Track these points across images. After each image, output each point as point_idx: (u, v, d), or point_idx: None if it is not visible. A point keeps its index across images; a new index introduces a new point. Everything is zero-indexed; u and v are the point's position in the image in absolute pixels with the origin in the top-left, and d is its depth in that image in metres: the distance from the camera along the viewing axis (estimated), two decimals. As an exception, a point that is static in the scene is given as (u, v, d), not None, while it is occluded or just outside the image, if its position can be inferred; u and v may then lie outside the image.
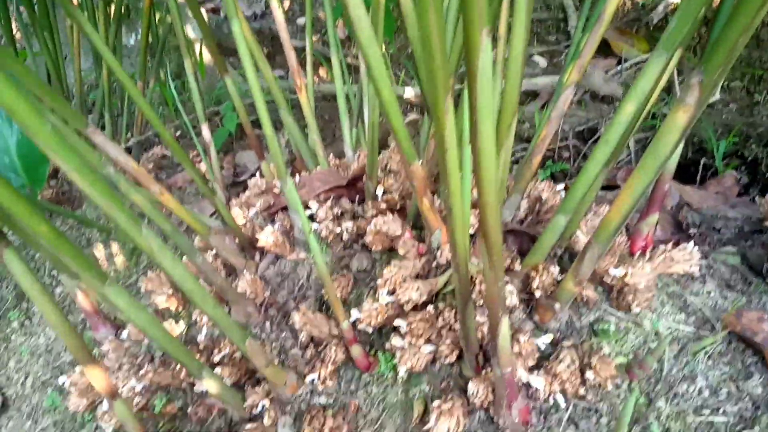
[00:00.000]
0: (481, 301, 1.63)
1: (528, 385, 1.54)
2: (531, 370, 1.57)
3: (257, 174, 2.67)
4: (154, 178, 1.65)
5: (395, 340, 1.68)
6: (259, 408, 1.75)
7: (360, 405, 1.75)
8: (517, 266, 1.74)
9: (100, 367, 1.46)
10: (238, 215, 2.28)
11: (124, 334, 2.11)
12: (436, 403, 1.57)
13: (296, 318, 1.85)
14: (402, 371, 1.64)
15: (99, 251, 2.70)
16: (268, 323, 2.00)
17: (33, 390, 2.37)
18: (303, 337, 1.91)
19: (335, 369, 1.79)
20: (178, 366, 1.86)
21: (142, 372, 1.88)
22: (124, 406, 1.52)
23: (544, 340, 1.57)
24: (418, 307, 1.73)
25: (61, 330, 1.33)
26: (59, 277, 2.23)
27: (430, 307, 1.68)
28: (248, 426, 1.70)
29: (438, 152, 1.01)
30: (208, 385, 1.54)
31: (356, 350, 1.74)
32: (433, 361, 1.71)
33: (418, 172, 1.61)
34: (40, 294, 1.26)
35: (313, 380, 1.76)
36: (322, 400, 1.79)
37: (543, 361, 1.60)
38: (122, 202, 1.00)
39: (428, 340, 1.66)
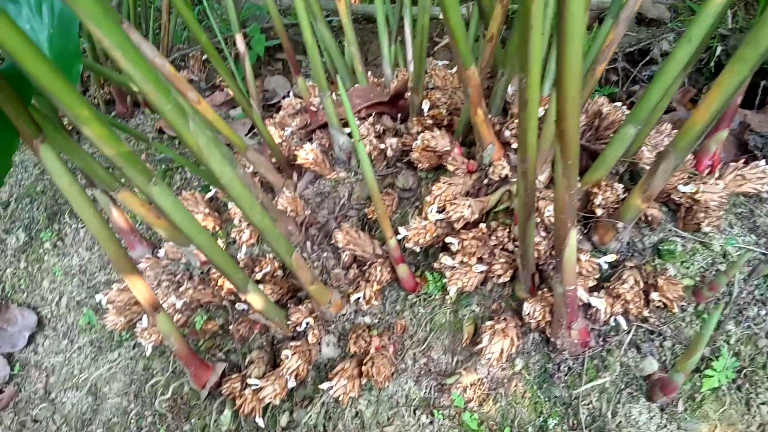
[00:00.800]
0: (538, 219, 1.54)
1: (588, 306, 1.47)
2: (591, 290, 1.49)
3: (290, 95, 2.56)
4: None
5: (445, 259, 1.61)
6: (303, 326, 1.71)
7: (406, 325, 1.70)
8: (577, 183, 1.64)
9: (142, 278, 1.41)
10: (274, 135, 2.19)
11: (161, 252, 2.08)
12: (488, 323, 1.51)
13: (339, 237, 1.78)
14: (452, 291, 1.58)
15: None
16: (309, 243, 1.94)
17: (68, 309, 2.38)
18: (345, 257, 1.85)
19: (380, 289, 1.73)
20: (219, 283, 1.81)
21: (181, 289, 1.85)
22: (166, 318, 1.49)
23: (606, 260, 1.48)
24: (469, 226, 1.65)
25: (101, 236, 1.28)
26: (93, 195, 2.19)
27: (482, 226, 1.59)
28: (292, 344, 1.67)
29: (519, 34, 0.90)
30: (252, 299, 1.49)
31: (403, 270, 1.67)
32: (484, 281, 1.64)
33: (473, 78, 1.49)
34: (78, 196, 1.20)
35: (357, 300, 1.70)
36: (367, 320, 1.75)
37: (603, 282, 1.52)
38: (168, 89, 0.91)
39: (480, 260, 1.59)
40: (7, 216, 2.94)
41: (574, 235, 1.21)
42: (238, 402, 1.65)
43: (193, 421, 1.79)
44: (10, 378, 2.30)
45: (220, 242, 2.03)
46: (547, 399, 1.44)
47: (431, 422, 1.50)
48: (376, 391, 1.60)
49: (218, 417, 1.75)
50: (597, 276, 1.49)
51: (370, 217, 1.84)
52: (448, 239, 1.57)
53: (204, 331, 1.86)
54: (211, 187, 2.24)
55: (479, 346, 1.47)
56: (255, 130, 2.83)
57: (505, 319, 1.52)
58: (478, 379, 1.53)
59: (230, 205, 2.06)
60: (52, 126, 1.20)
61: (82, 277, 2.48)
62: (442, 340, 1.63)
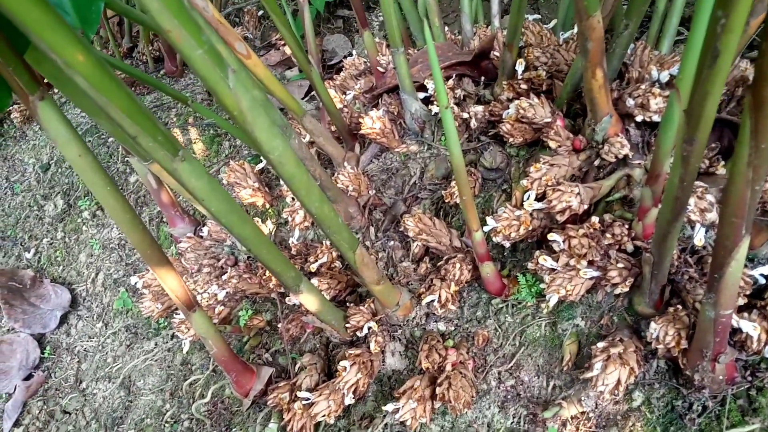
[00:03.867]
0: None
1: (734, 332, 1.15)
2: (740, 311, 1.17)
3: (353, 54, 2.28)
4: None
5: (544, 260, 1.32)
6: (364, 330, 1.46)
7: (490, 337, 1.42)
8: (720, 169, 1.31)
9: (174, 271, 1.18)
10: (335, 99, 1.92)
11: (204, 230, 1.86)
12: (601, 344, 1.22)
13: (409, 224, 1.51)
14: (551, 300, 1.29)
15: (177, 137, 2.44)
16: (372, 229, 1.68)
17: (104, 288, 2.21)
18: (416, 248, 1.58)
19: (458, 290, 1.46)
20: (267, 272, 1.58)
21: (225, 277, 1.63)
22: (203, 318, 1.26)
23: (763, 272, 1.16)
24: (575, 219, 1.35)
25: (121, 218, 1.05)
26: (131, 163, 1.99)
27: (594, 220, 1.29)
28: (350, 352, 1.42)
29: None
30: (306, 300, 1.24)
31: (488, 269, 1.39)
32: (592, 288, 1.34)
33: (597, 29, 1.19)
34: (90, 169, 0.96)
35: (430, 302, 1.43)
36: (441, 326, 1.48)
37: (753, 300, 1.20)
38: (199, 27, 0.65)
39: (591, 263, 1.29)
40: (46, 180, 2.80)
41: (745, 247, 0.90)
42: (285, 416, 1.42)
43: (234, 431, 1.58)
44: (40, 361, 2.16)
45: (270, 223, 1.79)
46: (673, 446, 1.15)
47: (522, 464, 1.24)
48: (452, 416, 1.35)
49: (263, 430, 1.53)
50: (748, 292, 1.17)
51: (446, 201, 1.56)
52: (551, 236, 1.28)
53: (249, 327, 1.64)
54: (262, 157, 2.00)
55: (589, 375, 1.18)
56: (312, 93, 2.57)
57: (621, 340, 1.22)
58: (583, 413, 1.25)
59: (282, 180, 1.82)
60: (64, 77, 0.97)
61: (120, 252, 2.31)
62: (535, 359, 1.35)
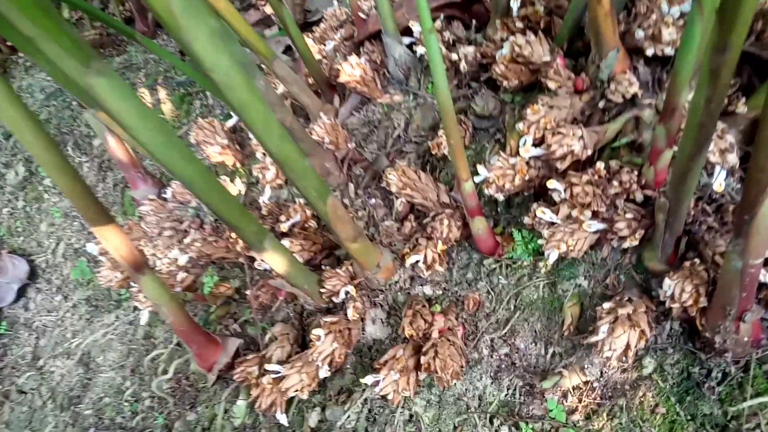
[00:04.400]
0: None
1: (761, 287, 1.02)
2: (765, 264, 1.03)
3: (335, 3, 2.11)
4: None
5: (542, 212, 1.17)
6: (341, 296, 1.31)
7: (481, 300, 1.28)
8: (741, 107, 1.16)
9: (117, 229, 1.03)
10: (312, 49, 1.75)
11: (168, 191, 1.70)
12: (607, 305, 1.08)
13: (392, 178, 1.37)
14: (551, 257, 1.15)
15: (145, 97, 2.27)
16: (351, 186, 1.53)
17: (64, 259, 2.06)
18: (400, 205, 1.43)
19: (446, 250, 1.31)
20: (235, 234, 1.43)
21: (187, 240, 1.47)
22: (155, 282, 1.12)
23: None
24: (578, 168, 1.21)
25: (58, 176, 0.89)
26: (91, 123, 1.82)
27: (599, 166, 1.14)
28: (326, 319, 1.28)
29: None
30: (271, 259, 1.10)
31: (479, 224, 1.25)
32: (596, 244, 1.20)
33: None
34: (27, 126, 0.81)
35: (415, 263, 1.29)
36: (428, 290, 1.34)
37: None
38: None
39: (595, 214, 1.14)
40: (8, 148, 2.62)
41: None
42: (254, 392, 1.28)
43: (199, 409, 1.44)
44: (-6, 338, 2.00)
45: (239, 183, 1.64)
46: (690, 417, 1.03)
47: (517, 440, 1.12)
48: (439, 390, 1.22)
49: (230, 407, 1.39)
50: (775, 243, 1.03)
51: (434, 153, 1.42)
52: (551, 183, 1.13)
53: (215, 295, 1.49)
54: (233, 114, 1.84)
55: (593, 339, 1.05)
56: (290, 47, 2.40)
57: (630, 300, 1.08)
58: (586, 383, 1.12)
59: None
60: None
61: (83, 220, 2.14)
62: (532, 324, 1.21)
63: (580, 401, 1.13)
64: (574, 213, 1.14)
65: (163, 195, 1.73)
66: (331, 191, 1.05)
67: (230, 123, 1.84)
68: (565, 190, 1.14)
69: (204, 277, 1.50)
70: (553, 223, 1.19)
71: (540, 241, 1.20)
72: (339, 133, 1.50)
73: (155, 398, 1.53)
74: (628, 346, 1.05)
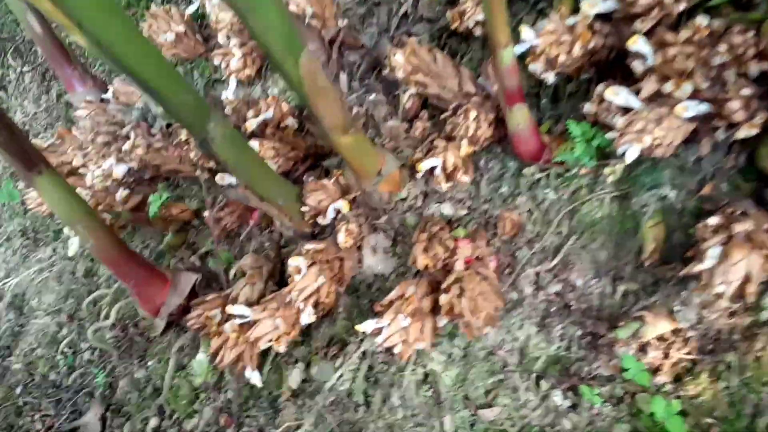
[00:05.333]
0: None
1: None
2: None
3: None
4: None
5: (613, 93, 0.83)
6: (329, 216, 0.98)
7: (522, 222, 0.95)
8: None
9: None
10: None
11: (109, 92, 1.34)
12: (713, 220, 0.75)
13: (398, 59, 1.03)
14: (628, 155, 0.81)
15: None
16: (344, 76, 1.17)
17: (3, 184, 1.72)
18: (408, 98, 1.09)
19: (472, 154, 0.97)
20: (185, 134, 1.08)
21: (127, 146, 1.13)
22: (54, 185, 0.78)
23: None
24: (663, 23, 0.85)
25: None
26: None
27: (700, 22, 0.78)
28: (309, 246, 0.95)
29: None
30: (222, 152, 0.75)
31: (520, 116, 0.92)
32: (689, 138, 0.85)
33: None
34: None
35: (430, 172, 0.95)
36: (447, 209, 1.01)
37: None
38: None
39: (696, 93, 0.79)
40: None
41: None
42: (214, 343, 0.96)
43: (150, 364, 1.14)
44: None
45: (198, 79, 1.28)
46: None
47: (573, 407, 0.80)
48: (464, 340, 0.90)
49: (189, 362, 1.08)
50: None
51: (454, 28, 1.06)
52: (633, 42, 0.79)
53: (165, 219, 1.15)
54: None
55: (698, 268, 0.71)
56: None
57: (744, 213, 0.74)
58: (676, 332, 0.79)
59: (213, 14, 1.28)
60: None
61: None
62: (593, 252, 0.90)
63: (666, 356, 0.82)
64: (668, 87, 0.79)
65: (104, 98, 1.37)
66: (303, 47, 0.70)
67: (191, 9, 1.47)
68: (654, 53, 0.78)
69: (151, 198, 1.16)
70: (629, 109, 0.84)
71: (610, 135, 0.85)
72: (326, 5, 1.13)
73: (96, 350, 1.21)
74: (747, 278, 0.72)
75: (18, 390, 1.28)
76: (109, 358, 1.20)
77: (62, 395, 1.22)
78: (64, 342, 1.29)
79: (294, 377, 1.02)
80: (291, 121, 1.10)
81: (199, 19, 1.54)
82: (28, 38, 2.15)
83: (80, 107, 1.37)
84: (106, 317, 1.22)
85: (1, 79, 2.07)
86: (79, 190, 1.20)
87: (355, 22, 1.31)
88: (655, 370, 0.83)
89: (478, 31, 1.08)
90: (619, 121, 0.87)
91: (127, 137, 1.22)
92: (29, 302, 1.43)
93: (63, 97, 1.82)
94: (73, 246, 1.15)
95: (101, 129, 1.23)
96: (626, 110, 0.89)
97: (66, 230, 1.41)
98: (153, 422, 1.13)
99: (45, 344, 1.32)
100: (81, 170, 1.20)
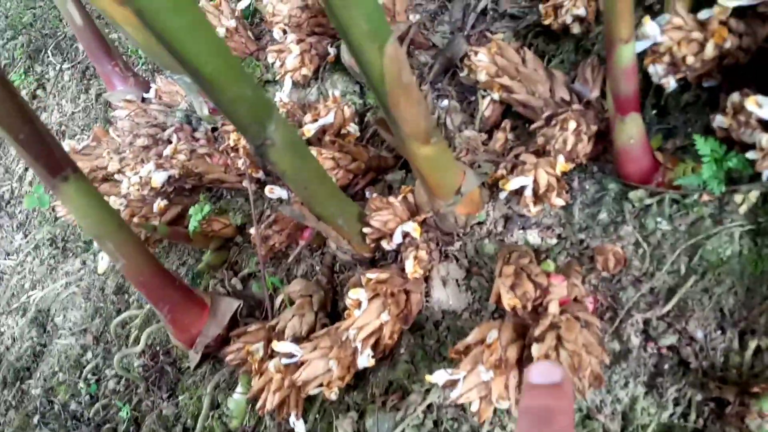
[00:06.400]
0: None
1: None
2: None
3: None
4: None
5: (755, 104, 0.68)
6: (395, 240, 0.85)
7: (626, 256, 0.80)
8: None
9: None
10: None
11: (151, 91, 1.25)
12: None
13: (481, 59, 0.91)
14: (765, 183, 0.66)
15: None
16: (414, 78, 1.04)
17: (32, 188, 1.65)
18: (488, 106, 0.96)
19: (567, 173, 0.83)
20: (234, 139, 0.97)
21: (167, 151, 1.02)
22: (82, 193, 0.66)
23: None
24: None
25: None
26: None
27: None
28: (371, 275, 0.82)
29: None
30: (278, 159, 0.63)
31: (633, 127, 0.78)
32: None
33: None
34: None
35: (518, 192, 0.82)
36: (533, 237, 0.88)
37: None
38: None
39: None
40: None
41: None
42: (255, 383, 0.84)
43: (180, 399, 1.01)
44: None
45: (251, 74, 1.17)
46: None
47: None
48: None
49: (224, 401, 0.96)
50: None
51: (547, 24, 0.93)
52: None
53: (206, 234, 1.03)
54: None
55: None
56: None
57: None
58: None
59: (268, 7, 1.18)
60: None
61: (60, 140, 1.72)
62: (718, 298, 0.74)
63: None
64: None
65: (147, 97, 1.28)
66: (393, 34, 0.57)
67: (242, 4, 1.37)
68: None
69: (192, 210, 1.04)
70: (774, 123, 0.69)
71: (751, 156, 0.70)
72: (396, -2, 1.01)
73: (122, 379, 1.10)
74: None
75: (35, 419, 1.17)
76: (136, 389, 1.09)
77: (82, 429, 1.11)
78: (88, 367, 1.18)
79: (345, 429, 0.88)
80: (353, 128, 0.97)
81: (251, 16, 1.45)
82: (70, 34, 2.11)
83: (119, 107, 1.28)
84: (136, 342, 1.11)
85: (41, 77, 2.02)
86: (113, 198, 1.11)
87: (425, 18, 1.19)
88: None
89: (575, 29, 0.94)
90: (764, 138, 0.72)
91: (169, 141, 1.12)
92: (54, 319, 1.33)
93: (102, 96, 1.75)
94: (103, 262, 1.05)
95: (140, 131, 1.13)
96: (771, 124, 0.74)
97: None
98: (181, 467, 1.01)
99: (67, 368, 1.22)
100: (117, 176, 1.10)
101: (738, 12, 0.81)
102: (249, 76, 0.58)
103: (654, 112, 0.94)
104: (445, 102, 1.05)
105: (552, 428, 0.36)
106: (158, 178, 1.02)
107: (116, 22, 1.00)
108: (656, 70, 0.79)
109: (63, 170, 0.69)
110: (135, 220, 1.10)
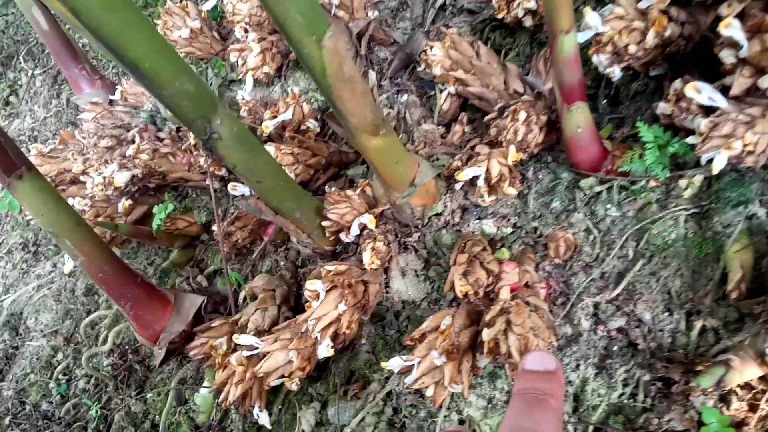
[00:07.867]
0: None
1: None
2: None
3: None
4: None
5: (694, 90, 0.71)
6: (353, 232, 0.88)
7: (578, 243, 0.83)
8: None
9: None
10: None
11: (117, 93, 1.27)
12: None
13: (436, 54, 0.94)
14: (717, 162, 0.68)
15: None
16: (373, 74, 1.07)
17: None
18: (446, 99, 0.99)
19: (520, 162, 0.86)
20: (194, 141, 1.00)
21: (130, 150, 1.04)
22: (37, 191, 0.69)
23: None
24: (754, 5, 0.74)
25: None
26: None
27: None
28: (330, 267, 0.85)
29: None
30: (224, 151, 0.65)
31: (580, 117, 0.82)
32: (783, 148, 0.73)
33: None
34: None
35: (472, 182, 0.85)
36: (489, 226, 0.91)
37: None
38: None
39: (797, 87, 0.68)
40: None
41: None
42: (219, 376, 0.86)
43: (149, 397, 1.03)
44: None
45: (213, 78, 1.20)
46: None
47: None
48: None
49: (191, 396, 0.98)
50: None
51: (501, 18, 0.96)
52: (725, 26, 0.66)
53: (171, 233, 1.06)
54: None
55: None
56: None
57: None
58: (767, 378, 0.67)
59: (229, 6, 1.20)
60: None
61: (31, 147, 1.74)
62: (664, 281, 0.78)
63: (753, 408, 0.68)
64: (765, 83, 0.67)
65: (112, 98, 1.30)
66: (331, 26, 0.60)
67: (208, 5, 1.39)
68: (748, 40, 0.67)
69: (156, 208, 1.07)
70: (713, 110, 0.72)
71: (690, 141, 0.74)
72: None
73: (92, 379, 1.13)
74: None
75: (7, 420, 1.19)
76: (105, 387, 1.11)
77: (53, 428, 1.13)
78: (59, 368, 1.20)
79: (308, 419, 0.91)
80: (313, 124, 1.00)
81: (219, 17, 1.48)
82: (41, 41, 2.13)
83: (86, 109, 1.30)
84: (104, 341, 1.13)
85: (14, 84, 2.03)
86: (78, 200, 1.13)
87: (386, 15, 1.21)
88: (738, 425, 0.71)
89: (528, 22, 0.97)
90: (702, 123, 0.75)
91: (133, 141, 1.14)
92: (26, 322, 1.35)
93: (71, 100, 1.77)
94: (69, 263, 1.07)
95: (105, 132, 1.16)
96: (710, 111, 0.77)
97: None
98: (150, 463, 1.03)
99: (39, 369, 1.24)
100: (81, 177, 1.12)
101: (681, 1, 0.85)
102: (191, 72, 0.60)
103: (605, 101, 0.97)
104: (405, 97, 1.08)
105: (544, 409, 0.39)
106: (121, 178, 1.04)
107: (74, 24, 1.03)
108: (600, 60, 0.82)
109: (17, 168, 0.72)
110: (100, 219, 1.12)
